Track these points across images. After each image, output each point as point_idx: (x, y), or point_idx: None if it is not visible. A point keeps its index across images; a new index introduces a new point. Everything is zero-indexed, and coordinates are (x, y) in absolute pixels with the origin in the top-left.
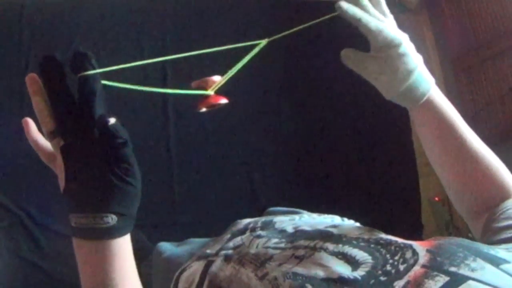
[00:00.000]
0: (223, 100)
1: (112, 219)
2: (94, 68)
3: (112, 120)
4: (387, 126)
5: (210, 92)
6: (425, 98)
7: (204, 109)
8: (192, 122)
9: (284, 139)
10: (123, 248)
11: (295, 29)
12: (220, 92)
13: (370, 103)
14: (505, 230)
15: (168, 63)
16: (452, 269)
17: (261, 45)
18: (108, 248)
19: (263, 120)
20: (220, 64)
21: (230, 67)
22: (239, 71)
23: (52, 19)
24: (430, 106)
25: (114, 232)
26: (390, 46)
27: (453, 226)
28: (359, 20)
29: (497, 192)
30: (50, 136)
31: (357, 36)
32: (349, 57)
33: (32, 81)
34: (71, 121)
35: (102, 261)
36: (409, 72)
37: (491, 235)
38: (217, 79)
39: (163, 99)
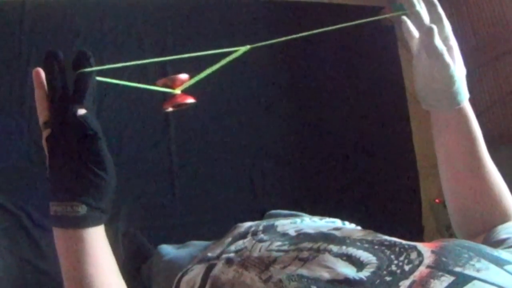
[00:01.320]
0: (190, 100)
1: (82, 208)
2: (91, 66)
3: (81, 111)
4: (388, 128)
5: (177, 91)
6: (462, 105)
7: (170, 109)
8: (192, 124)
9: (285, 141)
10: (95, 239)
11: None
12: (220, 91)
13: (371, 106)
14: (505, 240)
15: (168, 62)
16: (457, 269)
17: (240, 52)
18: (80, 237)
19: (263, 121)
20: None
21: (229, 67)
22: (217, 73)
23: (53, 19)
24: (462, 114)
25: (84, 222)
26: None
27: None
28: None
29: (500, 215)
30: (43, 126)
31: (358, 36)
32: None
33: (37, 74)
34: (58, 113)
35: (75, 251)
36: (455, 77)
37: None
38: (185, 78)
39: (163, 98)
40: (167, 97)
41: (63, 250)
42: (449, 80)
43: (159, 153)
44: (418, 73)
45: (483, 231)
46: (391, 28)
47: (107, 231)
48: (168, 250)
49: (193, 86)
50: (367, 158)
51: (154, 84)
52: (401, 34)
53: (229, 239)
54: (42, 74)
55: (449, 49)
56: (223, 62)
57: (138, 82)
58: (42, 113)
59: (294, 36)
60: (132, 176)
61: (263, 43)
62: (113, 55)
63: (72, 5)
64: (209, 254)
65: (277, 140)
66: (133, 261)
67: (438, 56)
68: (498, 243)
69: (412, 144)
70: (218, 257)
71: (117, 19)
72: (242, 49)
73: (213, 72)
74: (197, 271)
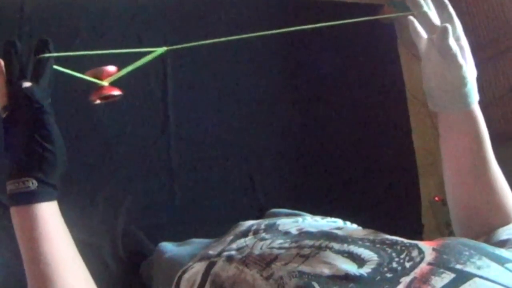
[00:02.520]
0: (116, 92)
1: (32, 183)
2: (50, 52)
3: (26, 84)
4: (387, 126)
5: (105, 83)
6: (472, 107)
7: (98, 101)
8: (192, 123)
9: (284, 139)
10: (48, 215)
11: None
12: (220, 89)
13: (371, 104)
14: (506, 241)
15: (168, 60)
16: (458, 266)
17: (157, 53)
18: (33, 214)
19: (263, 120)
20: (218, 61)
21: (228, 65)
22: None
23: (52, 18)
24: (471, 116)
25: (34, 196)
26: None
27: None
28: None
29: (502, 217)
30: (2, 111)
31: (357, 34)
32: (418, 36)
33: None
34: (14, 95)
35: (29, 228)
36: (467, 78)
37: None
38: (112, 70)
39: (164, 98)
40: (94, 89)
41: (18, 229)
42: (461, 81)
43: (159, 150)
44: (427, 74)
45: (484, 233)
46: (390, 26)
47: (106, 230)
48: (169, 247)
49: (194, 84)
50: (366, 156)
51: (85, 75)
52: (401, 32)
53: (231, 237)
54: (1, 63)
55: (461, 49)
56: (143, 60)
57: (138, 78)
58: (1, 99)
59: (266, 33)
60: (132, 174)
61: (182, 45)
62: (113, 54)
63: (72, 4)
64: (210, 252)
65: (276, 138)
66: (133, 259)
67: (452, 56)
68: (499, 244)
69: (411, 142)
70: (219, 255)
71: (116, 18)
72: (159, 50)
73: (213, 72)
74: (198, 268)
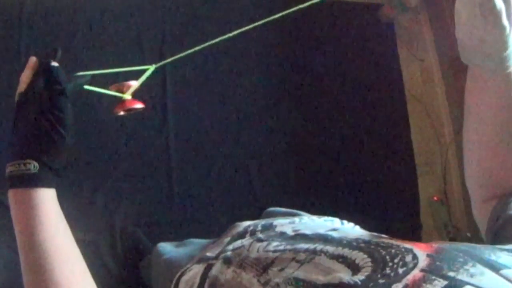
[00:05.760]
0: (139, 105)
1: (34, 166)
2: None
3: (55, 64)
4: (386, 126)
5: (127, 96)
6: (509, 70)
7: (121, 113)
8: (191, 121)
9: (283, 140)
10: (46, 202)
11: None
12: (219, 89)
13: (370, 104)
14: None
15: (168, 69)
16: (451, 274)
17: (149, 72)
18: (31, 198)
19: (262, 120)
20: (217, 61)
21: (227, 65)
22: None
23: (52, 18)
24: (507, 80)
25: (34, 181)
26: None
27: (452, 226)
28: None
29: None
30: (17, 96)
31: (356, 34)
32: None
33: (32, 59)
34: (40, 71)
35: (26, 214)
36: (509, 42)
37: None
38: (134, 84)
39: (163, 98)
40: (118, 102)
41: (14, 214)
42: (502, 45)
43: (157, 150)
44: (464, 34)
45: (501, 195)
46: (390, 25)
47: (104, 228)
48: (167, 248)
49: (193, 83)
50: (365, 156)
51: (108, 89)
52: (400, 31)
53: (228, 238)
54: (33, 59)
55: (507, 6)
56: (141, 80)
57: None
58: (21, 86)
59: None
60: (131, 173)
61: (169, 60)
62: (112, 53)
63: (71, 3)
64: (208, 254)
65: (275, 138)
66: (131, 257)
67: (495, 15)
68: (506, 237)
69: (410, 142)
70: (216, 257)
71: (116, 18)
72: (151, 68)
73: (212, 71)
74: (196, 270)
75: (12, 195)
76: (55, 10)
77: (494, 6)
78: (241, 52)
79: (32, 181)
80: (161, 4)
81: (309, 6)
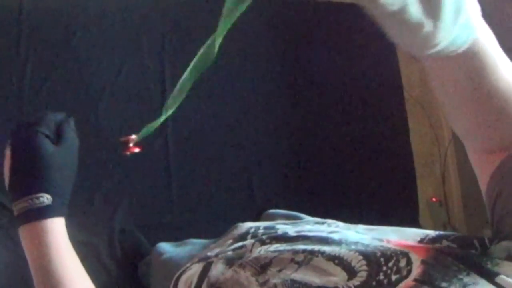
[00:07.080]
0: (137, 150)
1: (47, 199)
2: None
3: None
4: (385, 127)
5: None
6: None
7: (128, 153)
8: (190, 122)
9: (282, 139)
10: (59, 231)
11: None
12: (218, 89)
13: (368, 105)
14: None
15: (167, 59)
16: (443, 284)
17: (146, 132)
18: (45, 229)
19: (261, 120)
20: (216, 64)
21: (227, 65)
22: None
23: (51, 18)
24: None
25: (50, 211)
26: None
27: (451, 227)
28: None
29: None
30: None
31: (355, 34)
32: None
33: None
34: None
35: (41, 244)
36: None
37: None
38: (133, 137)
39: (161, 98)
40: (124, 147)
41: (30, 247)
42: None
43: (156, 150)
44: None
45: (505, 148)
46: None
47: (103, 229)
48: (166, 248)
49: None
50: (364, 156)
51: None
52: None
53: (230, 240)
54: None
55: None
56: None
57: (136, 88)
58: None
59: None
60: (129, 174)
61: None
62: (112, 54)
63: (71, 3)
64: (208, 254)
65: (274, 138)
66: (130, 259)
67: None
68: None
69: (409, 143)
70: (216, 256)
71: (115, 18)
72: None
73: (212, 70)
74: (195, 269)
75: (26, 230)
76: (55, 10)
77: None
78: (241, 52)
79: (47, 212)
80: (161, 4)
81: (309, 6)
